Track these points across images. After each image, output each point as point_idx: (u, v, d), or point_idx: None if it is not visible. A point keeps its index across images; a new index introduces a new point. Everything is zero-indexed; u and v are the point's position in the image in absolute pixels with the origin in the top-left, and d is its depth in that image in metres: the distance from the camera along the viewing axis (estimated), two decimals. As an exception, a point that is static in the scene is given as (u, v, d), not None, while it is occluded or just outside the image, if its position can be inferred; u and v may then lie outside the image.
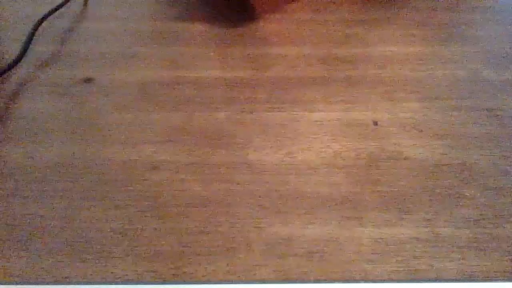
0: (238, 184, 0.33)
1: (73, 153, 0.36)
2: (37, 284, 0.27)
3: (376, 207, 0.32)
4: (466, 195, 0.32)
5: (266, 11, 0.55)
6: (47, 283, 0.27)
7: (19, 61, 0.44)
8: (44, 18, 0.50)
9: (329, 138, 0.37)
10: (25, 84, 0.43)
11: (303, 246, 0.29)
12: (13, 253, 0.29)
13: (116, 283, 0.27)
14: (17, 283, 0.27)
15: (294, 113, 0.40)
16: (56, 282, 0.27)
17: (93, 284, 0.27)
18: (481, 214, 0.31)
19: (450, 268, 0.28)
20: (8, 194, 0.32)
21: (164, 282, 0.27)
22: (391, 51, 0.48)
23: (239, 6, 0.56)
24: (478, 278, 0.27)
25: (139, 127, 0.38)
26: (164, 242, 0.29)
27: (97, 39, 0.50)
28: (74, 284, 0.27)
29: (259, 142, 0.37)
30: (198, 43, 0.49)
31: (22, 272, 0.28)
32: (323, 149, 0.36)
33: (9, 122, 0.39)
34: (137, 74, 0.44)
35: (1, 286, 0.27)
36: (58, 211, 0.31)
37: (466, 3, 0.57)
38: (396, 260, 0.28)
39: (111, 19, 0.53)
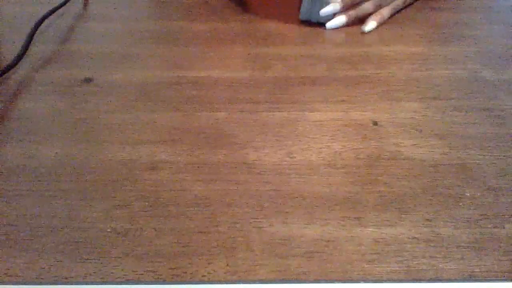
0: (238, 184, 0.33)
1: (73, 153, 0.36)
2: (37, 284, 0.27)
3: (376, 207, 0.32)
4: (466, 195, 0.32)
5: (266, 11, 0.55)
6: (47, 283, 0.27)
7: (19, 61, 0.44)
8: (44, 18, 0.50)
9: (329, 138, 0.37)
10: (25, 84, 0.43)
11: (303, 246, 0.29)
12: (13, 253, 0.29)
13: (116, 283, 0.27)
14: (17, 283, 0.27)
15: (294, 113, 0.40)
16: (56, 282, 0.27)
17: (93, 284, 0.27)
18: (481, 214, 0.31)
19: (450, 268, 0.28)
20: (8, 194, 0.32)
21: (164, 282, 0.27)
22: (391, 51, 0.48)
23: (238, 6, 0.56)
24: (478, 278, 0.27)
25: (139, 127, 0.38)
26: (164, 242, 0.29)
27: (97, 39, 0.50)
28: (74, 284, 0.27)
29: (259, 142, 0.37)
30: (198, 43, 0.49)
31: (22, 272, 0.28)
32: (323, 149, 0.36)
33: (9, 122, 0.39)
34: (137, 74, 0.44)
35: (1, 286, 0.27)
36: (58, 211, 0.31)
37: (466, 3, 0.57)
38: (396, 260, 0.28)
39: (111, 19, 0.53)
